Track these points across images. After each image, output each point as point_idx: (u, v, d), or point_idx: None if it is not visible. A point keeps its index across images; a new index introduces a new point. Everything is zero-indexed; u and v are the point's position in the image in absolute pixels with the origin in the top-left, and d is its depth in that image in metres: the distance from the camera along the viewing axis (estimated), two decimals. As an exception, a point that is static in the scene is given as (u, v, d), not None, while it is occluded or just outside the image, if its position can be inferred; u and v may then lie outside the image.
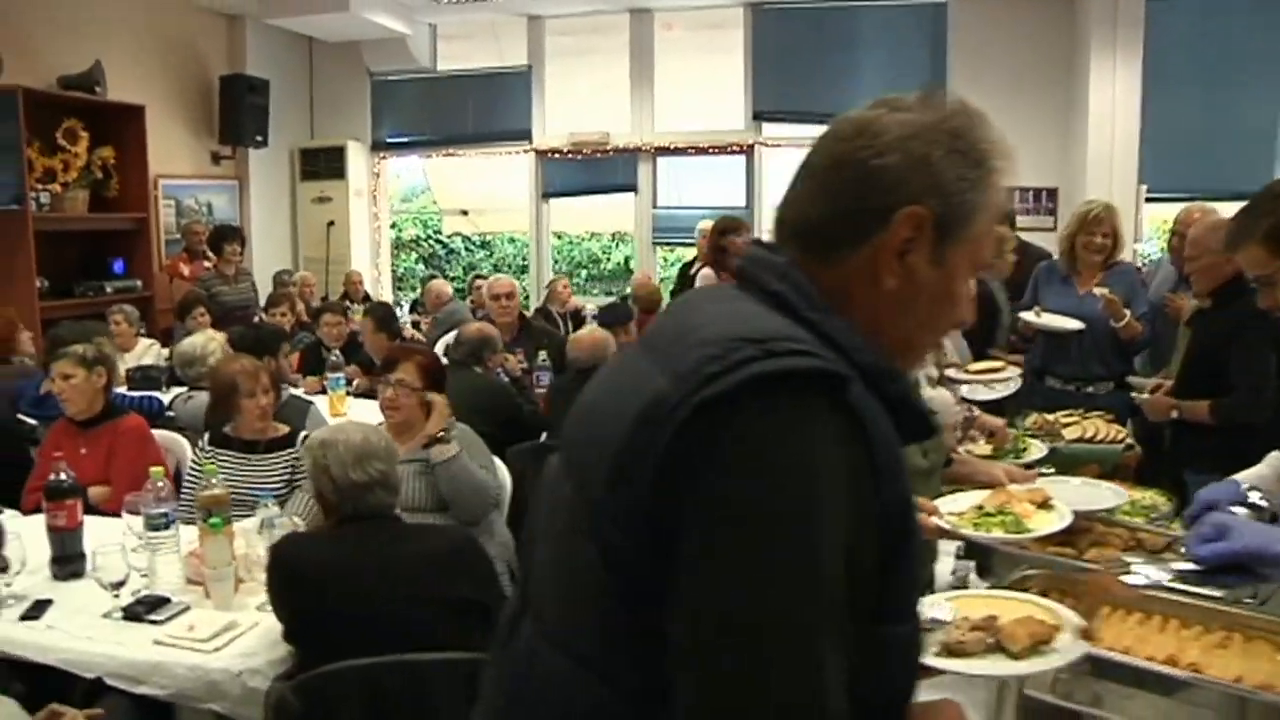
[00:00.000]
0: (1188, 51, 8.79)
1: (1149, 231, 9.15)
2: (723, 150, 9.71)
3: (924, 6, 9.36)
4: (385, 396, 3.61)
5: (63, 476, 3.05)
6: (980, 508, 2.36)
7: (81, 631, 2.67)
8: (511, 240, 13.87)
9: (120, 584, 2.76)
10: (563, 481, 1.17)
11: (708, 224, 7.90)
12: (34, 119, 6.94)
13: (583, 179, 10.12)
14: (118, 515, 3.57)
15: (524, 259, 13.97)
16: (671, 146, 9.77)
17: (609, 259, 14.21)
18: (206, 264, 8.15)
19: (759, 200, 9.68)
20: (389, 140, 10.49)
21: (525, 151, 10.07)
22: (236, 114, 9.05)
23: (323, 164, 10.01)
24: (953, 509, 2.40)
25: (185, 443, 4.28)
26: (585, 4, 9.65)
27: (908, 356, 1.21)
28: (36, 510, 3.73)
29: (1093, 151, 8.67)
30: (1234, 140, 8.70)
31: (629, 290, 10.37)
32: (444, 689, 2.13)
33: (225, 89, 9.08)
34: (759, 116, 9.65)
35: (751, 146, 9.65)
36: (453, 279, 13.85)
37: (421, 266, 13.65)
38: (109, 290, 7.51)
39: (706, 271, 6.68)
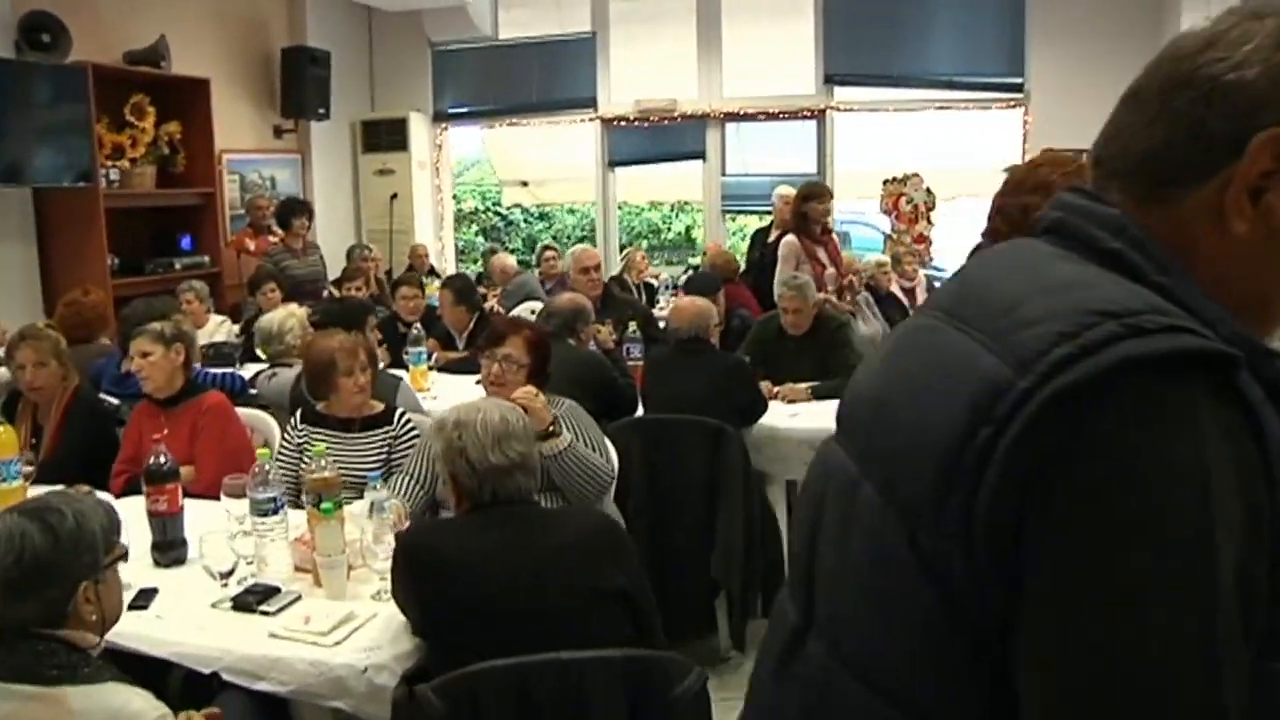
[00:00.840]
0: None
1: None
2: (793, 115, 9.48)
3: (1001, -38, 9.00)
4: (492, 372, 3.43)
5: (162, 459, 2.92)
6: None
7: (191, 622, 2.54)
8: (571, 211, 13.73)
9: (229, 573, 2.62)
10: (857, 479, 0.96)
11: (786, 190, 7.71)
12: (101, 94, 6.84)
13: (649, 147, 9.92)
14: (205, 497, 3.48)
15: (584, 229, 13.82)
16: (741, 112, 9.54)
17: (669, 228, 14.01)
18: (273, 238, 8.04)
19: (830, 166, 9.45)
20: (451, 110, 10.32)
21: (590, 120, 9.88)
22: (298, 87, 8.91)
23: (384, 136, 9.85)
24: None
25: (272, 421, 4.14)
26: (651, -33, 9.44)
27: (1262, 324, 0.97)
28: (126, 492, 3.64)
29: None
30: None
31: (697, 259, 10.20)
32: (599, 688, 1.95)
33: (286, 61, 8.94)
34: (830, 80, 9.39)
35: (823, 111, 9.41)
36: (512, 251, 13.74)
37: (481, 239, 13.53)
38: (178, 267, 7.43)
39: (790, 238, 6.47)
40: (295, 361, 4.67)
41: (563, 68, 9.96)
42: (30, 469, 3.39)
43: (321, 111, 9.12)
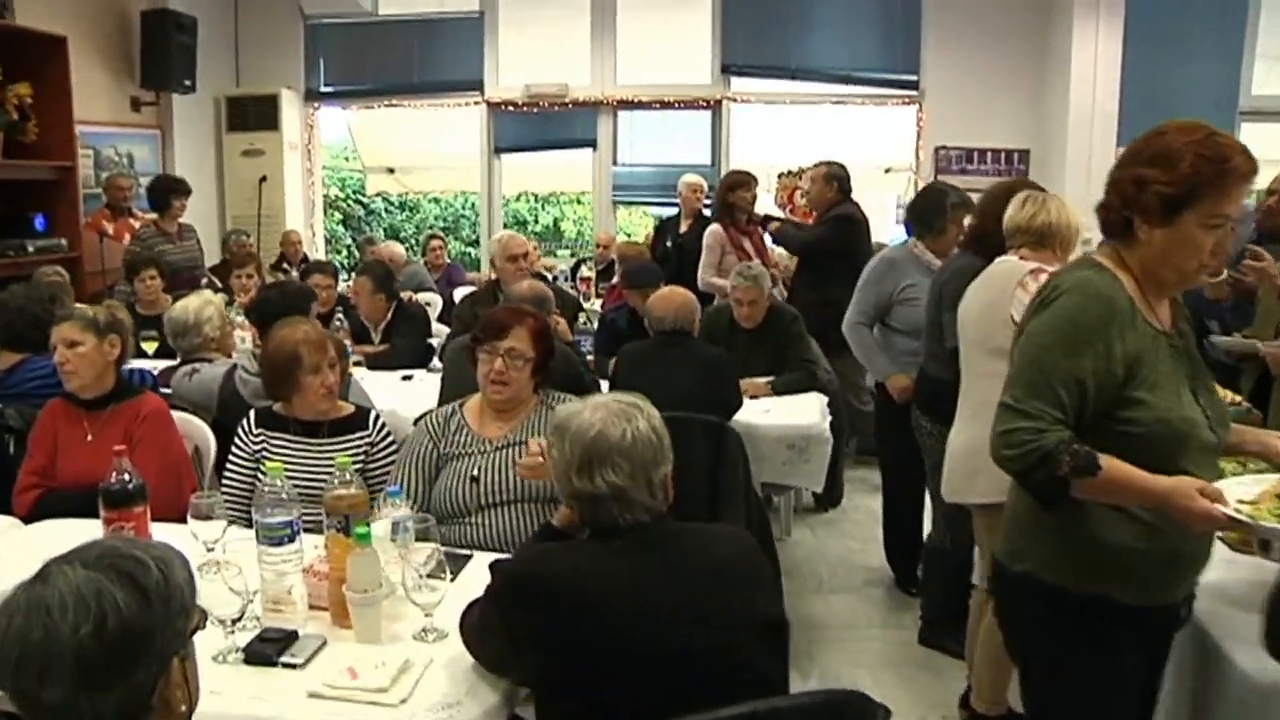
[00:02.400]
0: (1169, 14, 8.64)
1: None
2: (689, 105, 9.20)
3: (899, -40, 8.94)
4: (493, 368, 2.99)
5: (127, 476, 2.39)
6: (1281, 496, 1.96)
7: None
8: (435, 200, 13.13)
9: (237, 619, 2.13)
10: None
11: (693, 178, 7.45)
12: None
13: (537, 134, 9.48)
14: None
15: (448, 220, 13.26)
16: (635, 100, 9.19)
17: (535, 220, 13.58)
18: (134, 221, 7.29)
19: (725, 158, 9.22)
20: (324, 89, 9.63)
21: (476, 104, 9.36)
22: (161, 55, 8.11)
23: (252, 114, 9.09)
24: (1242, 495, 1.98)
25: (204, 427, 3.58)
26: (542, -54, 9.01)
27: None
28: (38, 514, 3.05)
29: (1074, 113, 8.42)
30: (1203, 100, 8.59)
31: (588, 252, 9.84)
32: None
33: (148, 26, 8.12)
34: (727, 70, 9.16)
35: (719, 102, 9.17)
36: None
37: (342, 228, 12.80)
38: (30, 250, 6.60)
39: (714, 228, 6.19)
40: (214, 356, 4.12)
41: (447, 48, 9.42)
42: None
43: (187, 84, 8.35)
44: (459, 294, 6.83)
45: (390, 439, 3.22)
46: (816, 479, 4.48)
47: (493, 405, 3.06)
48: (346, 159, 11.63)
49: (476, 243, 11.53)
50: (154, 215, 7.05)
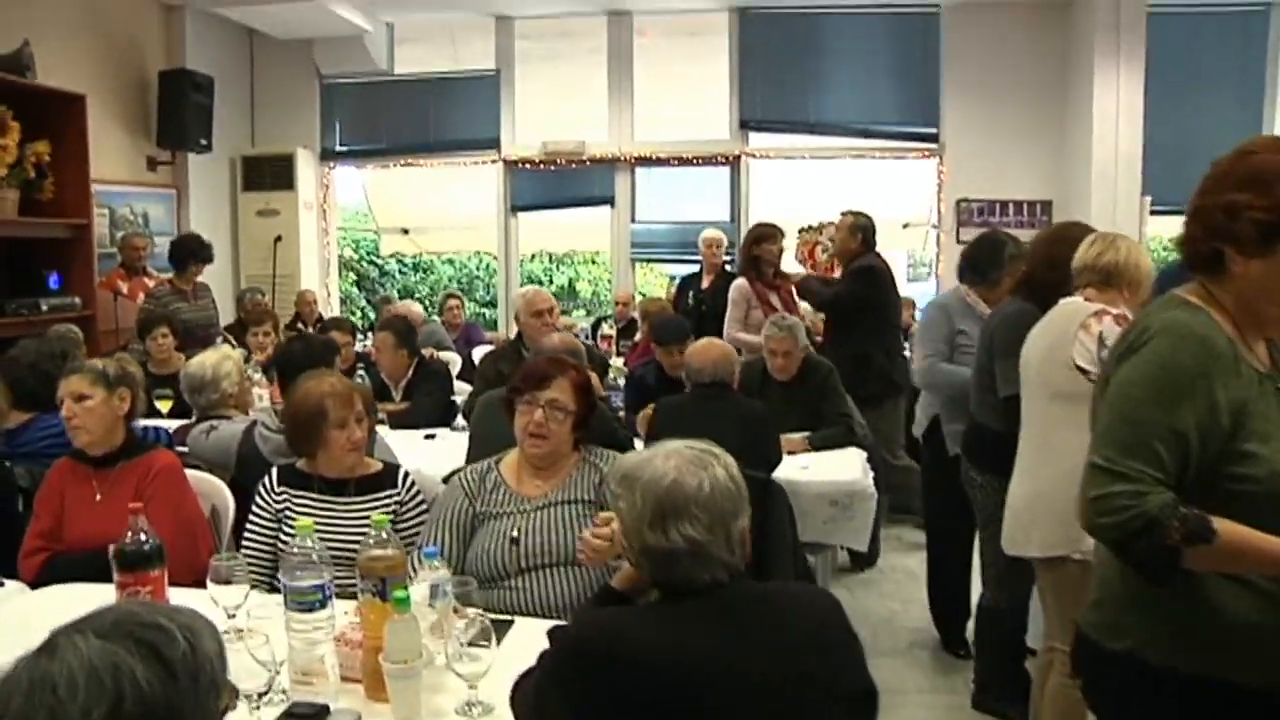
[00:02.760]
0: (1189, 62, 8.57)
1: (1154, 245, 8.86)
2: (707, 161, 9.11)
3: (916, 15, 8.93)
4: (533, 420, 2.82)
5: (143, 537, 2.21)
6: None
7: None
8: (449, 261, 13.04)
9: (264, 692, 1.95)
10: None
11: (712, 234, 7.35)
12: (-45, 104, 5.94)
13: (554, 191, 9.39)
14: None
15: (462, 281, 13.16)
16: (653, 156, 9.11)
17: (550, 281, 13.47)
18: (149, 280, 7.19)
19: (744, 214, 9.10)
20: (339, 149, 9.58)
21: (493, 162, 9.30)
22: (177, 114, 8.08)
23: (268, 173, 9.06)
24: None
25: (222, 485, 3.41)
26: (559, 5, 8.97)
27: None
28: (45, 579, 2.88)
29: (1097, 163, 8.30)
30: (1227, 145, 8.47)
31: (608, 310, 9.70)
32: None
33: (165, 86, 8.10)
34: (745, 125, 9.08)
35: (738, 157, 9.07)
36: (389, 301, 12.96)
37: (356, 289, 12.71)
38: (44, 308, 6.47)
39: (740, 282, 6.05)
40: (232, 412, 3.96)
41: (463, 107, 9.37)
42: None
43: (204, 143, 8.30)
44: (478, 353, 6.69)
45: (420, 498, 3.05)
46: (861, 537, 4.28)
47: (530, 460, 2.89)
48: (361, 220, 11.52)
49: (493, 303, 11.42)
50: (169, 275, 6.93)
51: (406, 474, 3.06)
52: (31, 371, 3.72)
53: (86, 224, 6.88)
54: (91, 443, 3.05)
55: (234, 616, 2.30)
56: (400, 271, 13.19)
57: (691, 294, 7.26)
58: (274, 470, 3.01)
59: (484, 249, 12.12)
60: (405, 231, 11.32)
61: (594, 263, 13.32)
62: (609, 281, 13.62)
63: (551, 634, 1.78)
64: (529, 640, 1.85)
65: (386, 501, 2.98)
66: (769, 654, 1.65)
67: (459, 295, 8.18)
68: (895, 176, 9.40)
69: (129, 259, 7.21)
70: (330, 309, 9.54)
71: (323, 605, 2.06)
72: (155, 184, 8.34)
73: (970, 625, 4.46)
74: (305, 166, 9.15)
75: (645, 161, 9.15)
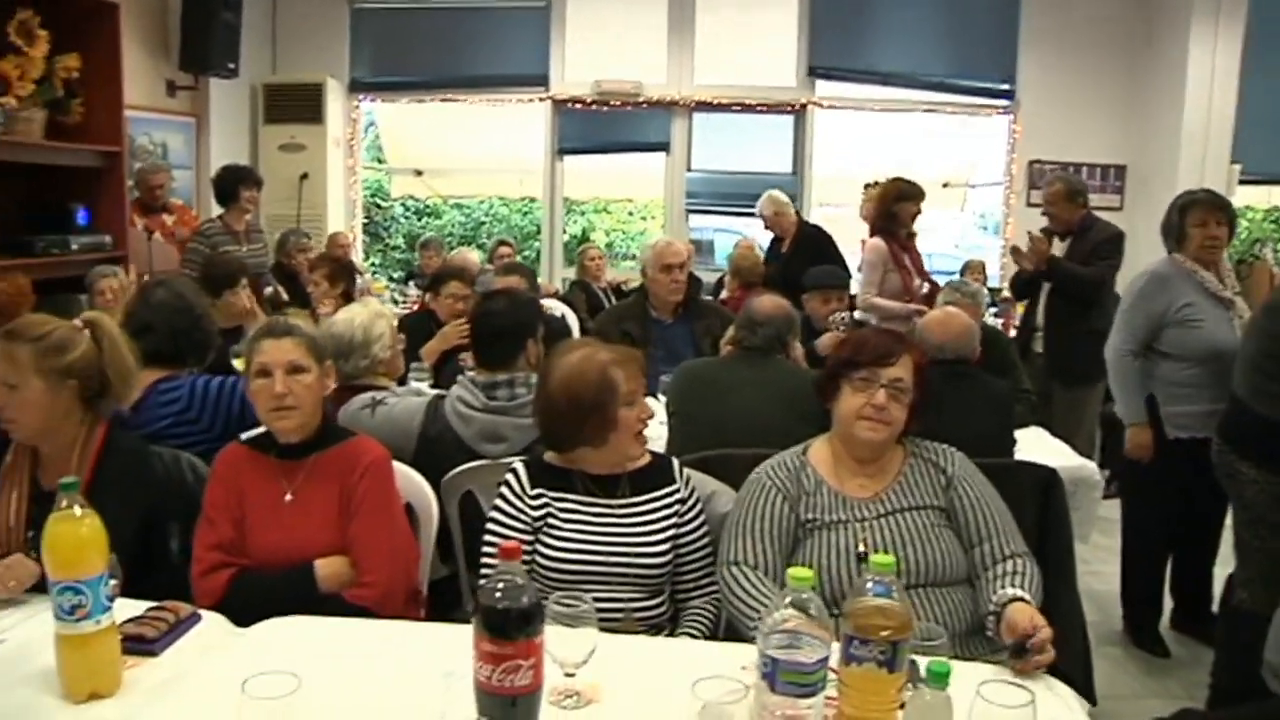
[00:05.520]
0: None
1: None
2: (772, 108, 8.48)
3: (997, -38, 8.32)
4: (871, 401, 2.25)
5: (517, 581, 1.55)
6: None
7: None
8: (459, 206, 12.31)
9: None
10: None
11: (776, 196, 6.80)
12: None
13: (601, 135, 8.70)
14: (365, 613, 2.23)
15: (468, 228, 12.45)
16: (714, 101, 8.44)
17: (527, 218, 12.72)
18: (166, 217, 6.42)
19: (808, 166, 8.52)
20: (369, 80, 8.78)
21: (540, 100, 8.57)
22: (204, 34, 7.24)
23: (293, 104, 8.23)
24: None
25: (423, 482, 2.72)
26: (616, -69, 8.28)
27: None
28: (233, 603, 2.23)
29: (1186, 127, 7.82)
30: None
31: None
32: None
33: (191, 1, 7.25)
34: (813, 73, 8.45)
35: (804, 106, 8.45)
36: (394, 248, 12.22)
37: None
38: (74, 246, 5.70)
39: (876, 242, 5.46)
40: (383, 381, 3.31)
41: (508, 40, 8.60)
42: (116, 584, 1.93)
43: (231, 67, 7.49)
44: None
45: (697, 495, 2.45)
46: (1084, 530, 3.76)
47: (857, 451, 2.33)
48: (379, 160, 10.74)
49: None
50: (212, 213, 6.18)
51: (681, 465, 2.45)
52: (183, 317, 3.06)
53: (118, 152, 6.09)
54: (301, 427, 2.39)
55: (572, 675, 1.70)
56: (405, 216, 12.42)
57: (772, 260, 6.70)
58: (521, 466, 2.37)
59: (504, 193, 11.45)
60: (419, 173, 10.61)
61: (607, 211, 12.68)
62: (627, 231, 13.01)
63: None
64: None
65: (668, 501, 2.37)
66: None
67: (510, 242, 7.49)
68: (960, 134, 8.90)
69: (147, 195, 6.42)
70: (355, 255, 8.79)
71: (823, 687, 1.45)
72: (174, 111, 7.52)
73: (1163, 622, 4.22)
74: (334, 98, 8.34)
75: (705, 106, 8.49)
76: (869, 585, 1.53)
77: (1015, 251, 5.31)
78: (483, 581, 2.20)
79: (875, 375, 2.28)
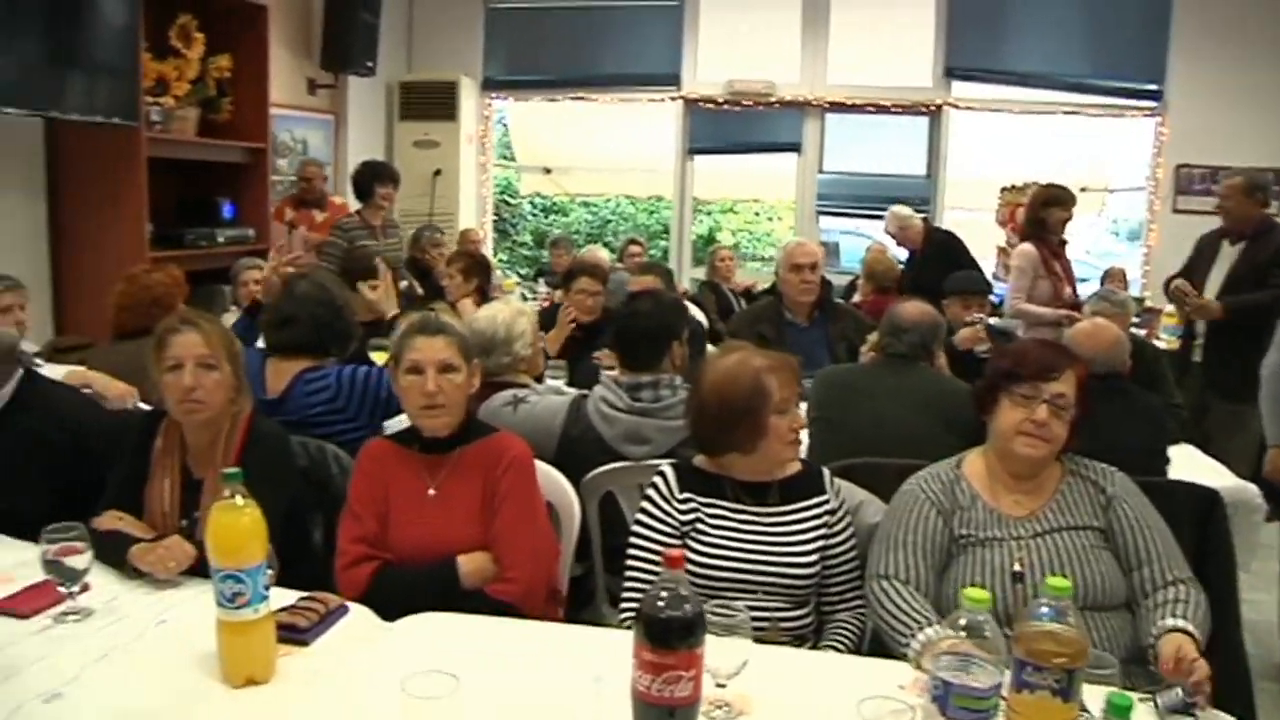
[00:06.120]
0: None
1: None
2: (906, 110, 8.31)
3: (1147, -43, 8.00)
4: (1035, 417, 2.16)
5: (680, 591, 1.51)
6: None
7: None
8: (586, 204, 12.39)
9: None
10: None
11: (901, 210, 6.67)
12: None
13: (735, 135, 8.63)
14: (516, 612, 2.23)
15: (594, 226, 12.52)
16: (848, 102, 8.31)
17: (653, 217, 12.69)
18: (316, 214, 6.58)
19: (943, 169, 8.33)
20: (502, 79, 8.89)
21: (671, 99, 8.55)
22: (345, 33, 7.42)
23: (427, 102, 8.37)
24: None
25: (565, 482, 2.70)
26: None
27: None
28: (375, 597, 2.24)
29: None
30: None
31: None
32: None
33: (332, 2, 7.42)
34: (950, 73, 8.25)
35: (939, 107, 8.27)
36: (521, 245, 12.35)
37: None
38: (220, 240, 5.90)
39: (1026, 248, 5.30)
40: (523, 378, 3.32)
41: (640, 39, 8.61)
42: (273, 574, 1.96)
43: (369, 65, 7.65)
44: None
45: (846, 506, 2.39)
46: (1245, 558, 3.56)
47: (1015, 467, 2.25)
48: (507, 157, 10.86)
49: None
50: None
51: (831, 476, 2.40)
52: (327, 310, 3.12)
53: (263, 148, 6.30)
54: (449, 425, 2.41)
55: (723, 686, 1.67)
56: (532, 214, 12.55)
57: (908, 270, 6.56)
58: (670, 470, 2.34)
59: (631, 192, 11.48)
60: (547, 171, 10.68)
61: (735, 211, 12.61)
62: (753, 232, 12.94)
63: None
64: None
65: (818, 511, 2.31)
66: None
67: (641, 241, 7.49)
68: (1100, 135, 8.59)
69: (305, 190, 6.60)
70: (485, 252, 8.90)
71: (997, 712, 1.39)
72: (315, 109, 7.71)
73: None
74: (468, 96, 8.47)
75: (839, 107, 8.36)
76: (1041, 609, 1.46)
77: (1176, 296, 5.02)
78: (638, 587, 2.19)
79: (1037, 390, 2.20)
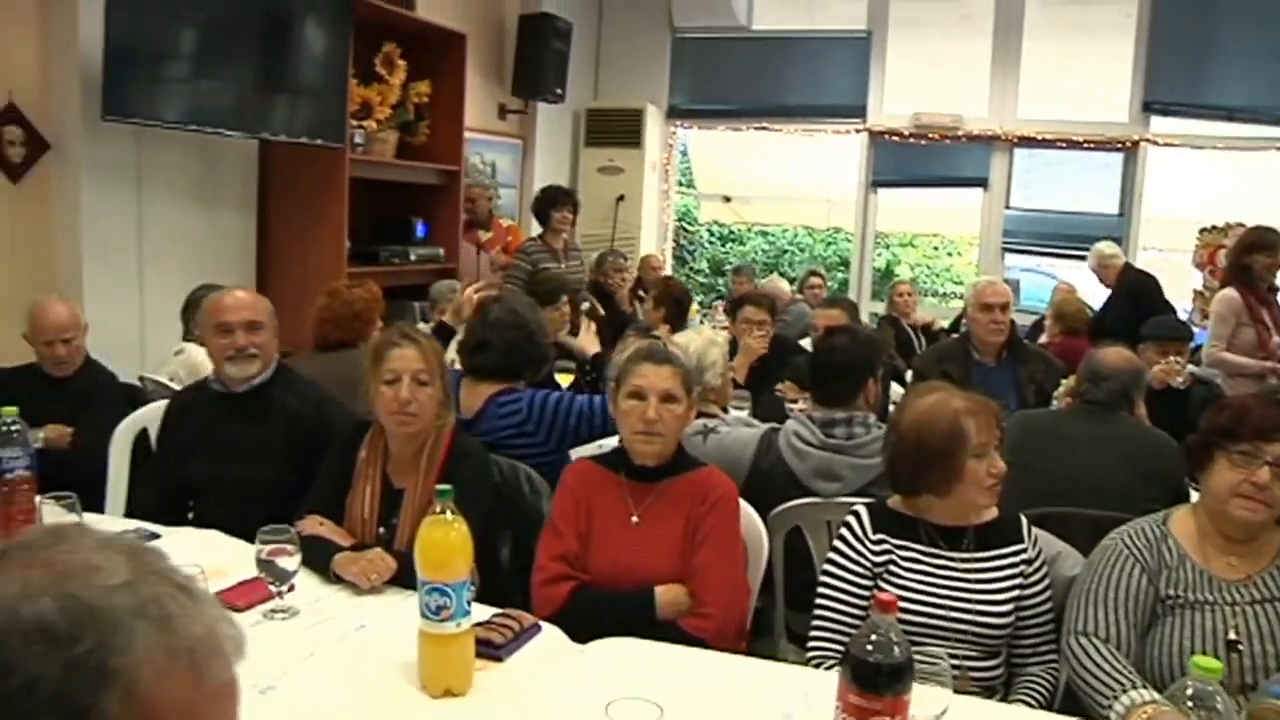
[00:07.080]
0: None
1: None
2: (1100, 145, 8.03)
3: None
4: (1253, 479, 2.06)
5: (892, 638, 1.49)
6: None
7: None
8: (764, 233, 12.39)
9: None
10: None
11: (1106, 248, 6.40)
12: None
13: (919, 168, 8.50)
14: (701, 643, 2.21)
15: (770, 256, 12.50)
16: (1039, 137, 8.09)
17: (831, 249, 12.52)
18: (483, 234, 6.76)
19: (1136, 207, 8.00)
20: (687, 107, 8.98)
21: (857, 131, 8.49)
22: (536, 61, 7.63)
23: (613, 129, 8.53)
24: None
25: (755, 516, 2.66)
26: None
27: None
28: (570, 620, 2.27)
29: None
30: None
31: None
32: None
33: (526, 30, 7.65)
34: (1149, 108, 7.93)
35: (1135, 143, 7.95)
36: (698, 272, 12.42)
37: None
38: (412, 258, 6.12)
39: (1229, 294, 5.05)
40: (712, 408, 3.33)
41: (826, 70, 8.57)
42: (473, 590, 2.01)
43: (558, 92, 7.83)
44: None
45: (1044, 556, 2.31)
46: None
47: (1229, 530, 2.12)
48: (686, 184, 10.96)
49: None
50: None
51: (1030, 525, 2.32)
52: (522, 335, 3.21)
53: (456, 170, 6.52)
54: (659, 454, 2.44)
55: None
56: (710, 242, 12.62)
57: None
58: (864, 511, 2.31)
59: (810, 222, 11.43)
60: (727, 199, 10.73)
61: (913, 246, 12.41)
62: (932, 267, 12.69)
63: None
64: None
65: (1014, 560, 2.25)
66: None
67: (821, 273, 7.43)
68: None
69: (473, 211, 6.80)
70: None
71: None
72: (504, 133, 7.94)
73: None
74: (653, 124, 8.59)
75: (1028, 142, 8.14)
76: (1275, 686, 1.39)
77: None
78: (828, 627, 2.18)
79: (1259, 450, 2.08)
